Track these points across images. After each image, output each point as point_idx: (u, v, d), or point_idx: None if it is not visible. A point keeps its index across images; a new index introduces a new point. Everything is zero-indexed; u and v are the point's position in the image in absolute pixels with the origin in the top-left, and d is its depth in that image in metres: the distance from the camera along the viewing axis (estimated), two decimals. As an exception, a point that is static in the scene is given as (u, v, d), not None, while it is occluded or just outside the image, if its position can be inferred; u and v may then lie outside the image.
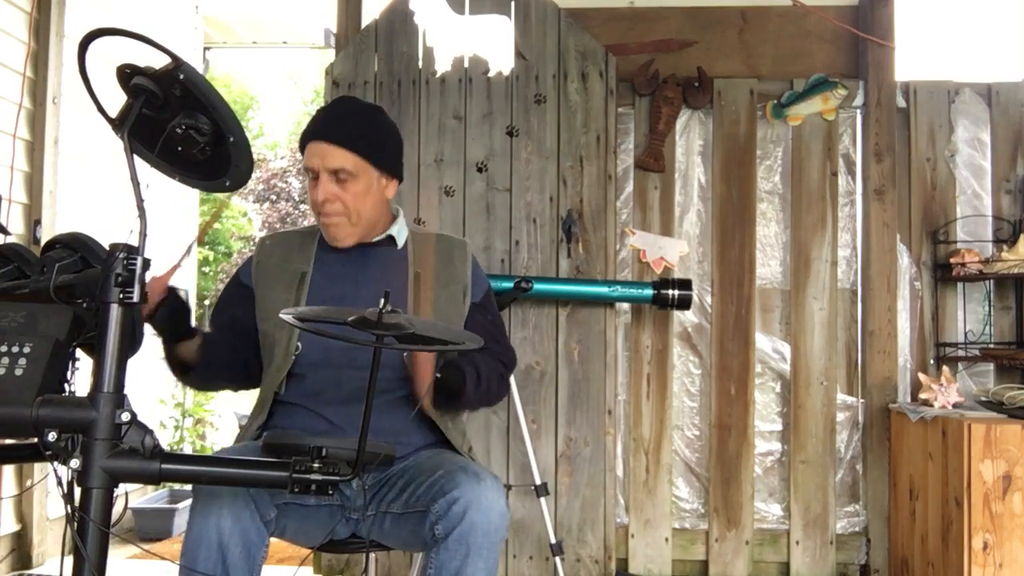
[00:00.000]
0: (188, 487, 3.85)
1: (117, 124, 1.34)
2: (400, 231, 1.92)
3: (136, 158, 1.36)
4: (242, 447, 1.77)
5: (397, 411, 1.79)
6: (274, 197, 14.00)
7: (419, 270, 1.89)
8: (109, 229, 1.84)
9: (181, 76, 1.28)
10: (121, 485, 1.28)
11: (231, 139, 1.33)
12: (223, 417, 5.41)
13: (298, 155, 14.64)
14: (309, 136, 1.81)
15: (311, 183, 1.82)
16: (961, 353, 3.17)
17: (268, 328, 1.83)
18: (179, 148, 1.35)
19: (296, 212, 13.75)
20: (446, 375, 1.77)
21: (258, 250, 1.94)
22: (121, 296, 1.27)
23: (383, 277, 1.86)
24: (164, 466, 1.29)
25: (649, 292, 2.91)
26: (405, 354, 1.76)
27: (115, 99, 1.38)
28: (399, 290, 1.86)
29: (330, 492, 1.32)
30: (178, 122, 1.33)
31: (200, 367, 1.82)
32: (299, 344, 1.78)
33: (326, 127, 1.80)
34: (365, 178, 1.81)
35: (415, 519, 1.64)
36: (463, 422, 2.02)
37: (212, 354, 1.83)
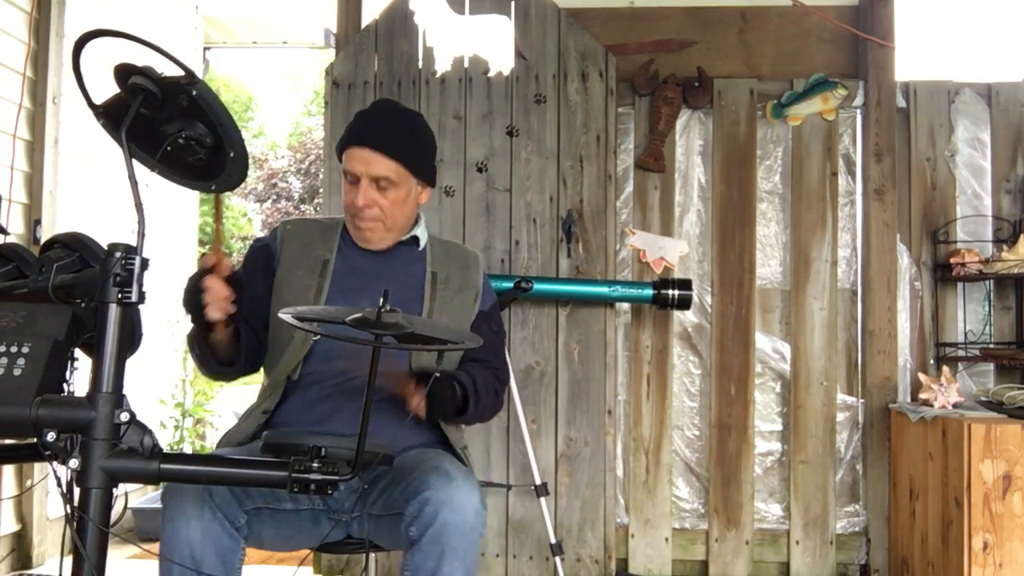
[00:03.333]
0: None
1: (101, 112, 1.33)
2: (423, 232, 1.96)
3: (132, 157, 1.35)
4: (238, 450, 1.77)
5: (397, 409, 1.80)
6: (274, 197, 14.00)
7: (436, 271, 1.92)
8: (109, 229, 1.84)
9: (194, 92, 1.28)
10: (120, 485, 1.28)
11: (231, 155, 1.33)
12: (223, 417, 5.40)
13: (298, 155, 14.63)
14: (353, 141, 1.81)
15: (348, 186, 1.82)
16: (961, 353, 3.17)
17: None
18: (169, 148, 1.35)
19: (296, 212, 13.75)
20: (439, 390, 1.74)
21: (281, 231, 1.93)
22: (120, 296, 1.27)
23: (403, 274, 1.88)
24: (163, 466, 1.29)
25: (649, 292, 2.91)
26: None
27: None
28: (417, 288, 1.89)
29: (330, 492, 1.32)
30: (181, 133, 1.33)
31: (239, 357, 1.77)
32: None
33: (371, 134, 1.80)
34: (405, 186, 1.83)
35: (393, 521, 1.63)
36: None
37: (246, 341, 1.79)
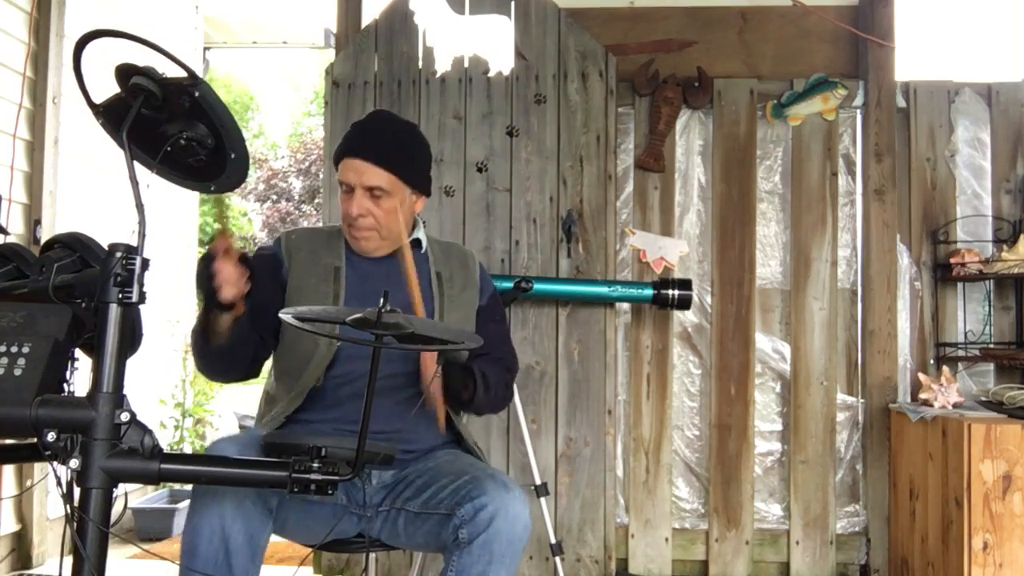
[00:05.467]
0: (188, 487, 3.85)
1: (100, 111, 1.33)
2: (423, 235, 1.98)
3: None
4: (245, 436, 1.75)
5: (409, 409, 1.80)
6: (275, 197, 14.00)
7: (440, 270, 1.95)
8: (109, 229, 1.84)
9: (197, 94, 1.28)
10: (120, 485, 1.28)
11: (232, 156, 1.33)
12: (223, 417, 5.41)
13: (298, 155, 14.64)
14: (347, 152, 1.83)
15: (344, 196, 1.84)
16: (961, 353, 3.17)
17: None
18: (168, 148, 1.35)
19: (297, 212, 13.75)
20: (453, 373, 1.78)
21: (285, 241, 1.94)
22: (120, 296, 1.27)
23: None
24: (163, 466, 1.29)
25: (649, 292, 2.91)
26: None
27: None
28: (425, 290, 1.90)
29: (330, 492, 1.32)
30: (182, 134, 1.33)
31: (231, 349, 1.75)
32: None
33: (365, 144, 1.82)
34: (399, 196, 1.84)
35: (435, 520, 1.65)
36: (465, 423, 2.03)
37: (242, 337, 1.77)
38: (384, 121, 1.91)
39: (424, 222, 3.10)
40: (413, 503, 1.70)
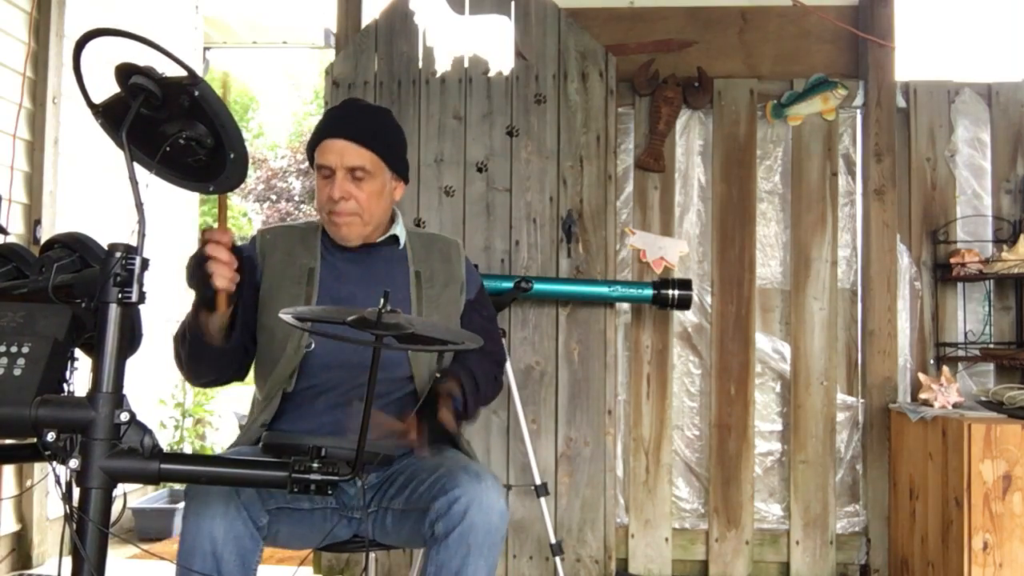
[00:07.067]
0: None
1: (99, 111, 1.33)
2: (401, 231, 1.94)
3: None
4: (239, 451, 1.76)
5: (400, 409, 1.80)
6: (274, 197, 14.00)
7: (419, 269, 1.91)
8: (109, 229, 1.84)
9: (196, 93, 1.28)
10: (120, 485, 1.28)
11: (232, 156, 1.33)
12: (223, 417, 5.40)
13: (298, 155, 14.60)
14: (326, 133, 1.80)
15: (322, 181, 1.80)
16: (961, 353, 3.17)
17: (275, 323, 1.77)
18: (167, 148, 1.34)
19: (296, 212, 13.75)
20: (443, 394, 1.74)
21: (259, 242, 1.90)
22: (120, 296, 1.27)
23: (388, 276, 1.87)
24: (163, 466, 1.28)
25: (649, 292, 2.91)
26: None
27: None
28: (403, 289, 1.87)
29: (329, 492, 1.32)
30: (181, 133, 1.32)
31: (219, 355, 1.74)
32: (312, 341, 1.77)
33: (344, 125, 1.79)
34: (381, 178, 1.82)
35: (416, 517, 1.64)
36: None
37: (232, 345, 1.76)
38: (358, 105, 1.90)
39: (424, 221, 3.12)
40: (397, 501, 1.70)
